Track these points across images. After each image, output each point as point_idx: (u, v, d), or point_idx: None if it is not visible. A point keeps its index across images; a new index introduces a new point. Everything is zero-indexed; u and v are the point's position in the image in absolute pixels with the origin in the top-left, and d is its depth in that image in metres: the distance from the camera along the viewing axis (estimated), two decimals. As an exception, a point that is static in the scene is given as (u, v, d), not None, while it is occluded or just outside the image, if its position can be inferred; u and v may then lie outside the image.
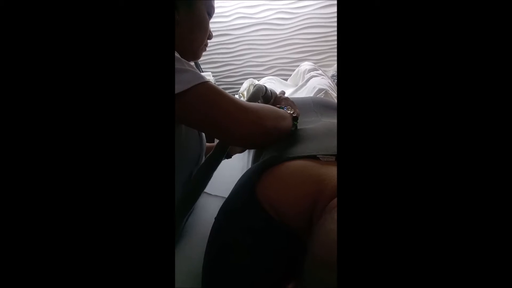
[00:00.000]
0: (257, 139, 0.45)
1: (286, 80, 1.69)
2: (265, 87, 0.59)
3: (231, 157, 0.74)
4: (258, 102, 0.56)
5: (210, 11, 0.55)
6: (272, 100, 0.61)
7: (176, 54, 0.41)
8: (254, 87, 0.58)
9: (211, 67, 1.89)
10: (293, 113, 0.53)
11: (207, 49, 0.61)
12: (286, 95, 0.67)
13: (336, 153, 0.39)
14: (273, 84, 1.55)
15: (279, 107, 0.54)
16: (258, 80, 1.67)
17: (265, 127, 0.44)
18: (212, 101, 0.39)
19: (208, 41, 0.58)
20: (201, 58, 0.59)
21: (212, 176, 0.54)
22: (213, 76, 1.83)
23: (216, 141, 0.75)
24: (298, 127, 0.54)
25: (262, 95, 0.58)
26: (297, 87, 1.38)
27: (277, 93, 0.65)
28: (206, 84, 0.39)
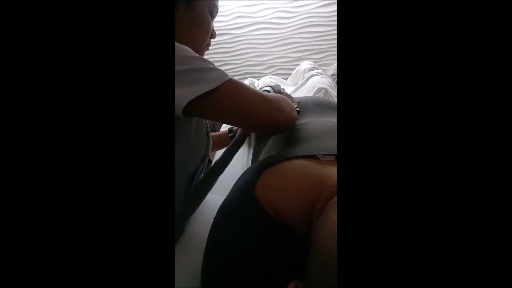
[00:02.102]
0: (278, 125, 0.50)
1: (286, 79, 1.68)
2: (270, 91, 0.64)
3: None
4: None
5: (212, 10, 0.54)
6: None
7: (196, 54, 0.42)
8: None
9: (210, 66, 1.89)
10: (297, 107, 0.58)
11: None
12: None
13: (336, 152, 0.39)
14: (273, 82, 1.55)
15: None
16: (258, 79, 1.67)
17: (284, 113, 0.49)
18: (240, 95, 0.43)
19: (211, 40, 0.58)
20: (201, 58, 0.59)
21: (221, 174, 0.56)
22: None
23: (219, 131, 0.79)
24: (298, 127, 0.55)
25: None
26: (297, 86, 1.37)
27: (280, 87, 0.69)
28: (232, 80, 0.43)
